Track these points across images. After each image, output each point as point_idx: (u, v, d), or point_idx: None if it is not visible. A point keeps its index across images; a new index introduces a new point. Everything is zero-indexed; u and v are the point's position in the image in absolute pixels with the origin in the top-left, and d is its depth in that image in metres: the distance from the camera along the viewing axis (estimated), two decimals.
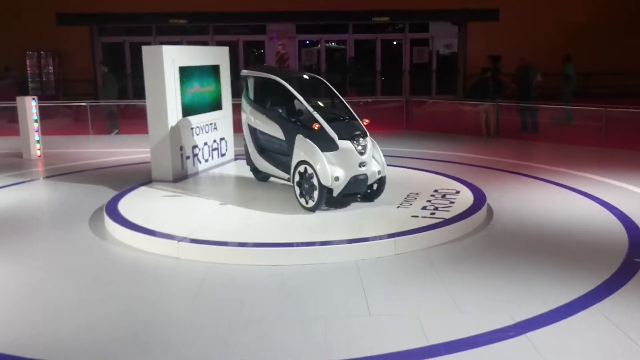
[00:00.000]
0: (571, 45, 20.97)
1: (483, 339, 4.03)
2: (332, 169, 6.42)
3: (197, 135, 8.88)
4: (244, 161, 9.59)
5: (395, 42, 23.62)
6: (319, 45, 23.22)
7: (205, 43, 21.76)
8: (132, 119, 15.54)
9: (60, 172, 9.97)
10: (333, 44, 23.77)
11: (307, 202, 6.67)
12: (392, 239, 5.68)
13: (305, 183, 6.65)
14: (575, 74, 15.48)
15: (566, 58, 15.64)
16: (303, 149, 6.66)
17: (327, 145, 6.51)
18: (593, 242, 6.03)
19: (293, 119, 7.01)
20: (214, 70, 9.38)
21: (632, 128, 13.09)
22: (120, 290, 4.99)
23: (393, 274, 5.24)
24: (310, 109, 6.69)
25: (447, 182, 7.96)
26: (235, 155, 9.99)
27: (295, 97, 6.91)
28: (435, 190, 7.46)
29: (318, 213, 6.59)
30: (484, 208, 6.78)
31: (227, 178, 8.79)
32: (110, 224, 6.48)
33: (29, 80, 21.40)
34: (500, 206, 7.25)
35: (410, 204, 6.83)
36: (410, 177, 8.31)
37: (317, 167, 6.43)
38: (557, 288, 4.86)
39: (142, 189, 7.94)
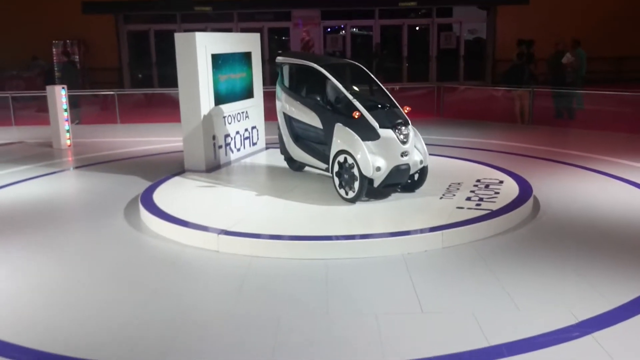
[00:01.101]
0: (603, 29, 20.46)
1: (546, 340, 3.81)
2: (373, 159, 6.21)
3: (229, 124, 8.72)
4: (276, 150, 9.44)
5: (421, 28, 23.20)
6: (343, 32, 22.90)
7: (229, 30, 21.57)
8: (159, 107, 15.49)
9: (91, 162, 9.89)
10: (355, 29, 23.39)
11: (346, 193, 6.48)
12: (440, 231, 5.46)
13: (345, 173, 6.45)
14: (585, 59, 14.69)
15: (576, 43, 14.94)
16: (342, 138, 6.46)
17: (367, 134, 6.30)
18: None
19: (331, 107, 6.80)
20: (246, 57, 9.20)
21: None
22: (162, 286, 4.84)
23: (442, 269, 5.03)
24: (350, 97, 6.48)
25: (489, 172, 7.71)
26: (267, 144, 9.82)
27: (334, 84, 6.69)
28: (478, 180, 7.21)
29: (358, 204, 6.39)
30: (531, 199, 6.52)
31: (261, 168, 8.62)
32: (146, 216, 6.35)
33: (55, 69, 21.42)
34: (545, 196, 6.99)
35: (454, 195, 6.60)
36: (449, 166, 8.07)
37: (358, 157, 6.22)
38: (617, 284, 4.61)
39: (176, 179, 7.81)
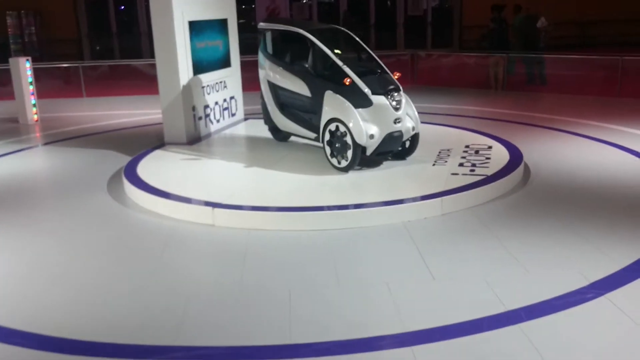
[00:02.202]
0: None
1: (562, 302, 3.80)
2: (366, 126, 6.09)
3: (208, 94, 8.46)
4: (256, 121, 9.28)
5: None
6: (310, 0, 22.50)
7: None
8: (126, 80, 14.97)
9: (61, 138, 9.49)
10: None
11: (339, 162, 6.36)
12: (439, 198, 5.41)
13: (337, 142, 6.32)
14: (524, 26, 14.66)
15: (517, 9, 14.89)
16: (333, 105, 6.31)
17: (359, 101, 6.16)
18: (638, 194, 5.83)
19: (320, 74, 6.63)
20: (223, 24, 8.91)
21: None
22: (163, 263, 4.67)
23: (446, 236, 4.99)
24: (340, 63, 6.32)
25: (475, 137, 7.69)
26: (245, 115, 9.60)
27: (322, 51, 6.50)
28: (467, 146, 7.18)
29: (351, 173, 6.29)
30: (523, 163, 6.51)
31: (243, 139, 8.42)
32: (133, 191, 6.12)
33: (10, 41, 20.51)
34: (534, 160, 7.00)
35: (446, 162, 6.55)
36: (435, 133, 8.00)
37: (351, 125, 6.10)
38: (620, 245, 4.65)
39: (157, 152, 7.55)
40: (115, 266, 4.64)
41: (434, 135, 7.79)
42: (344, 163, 6.31)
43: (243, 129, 8.96)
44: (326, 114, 6.39)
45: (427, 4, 22.73)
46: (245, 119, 9.52)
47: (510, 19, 13.89)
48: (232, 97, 9.18)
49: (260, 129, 8.56)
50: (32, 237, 5.32)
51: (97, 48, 22.37)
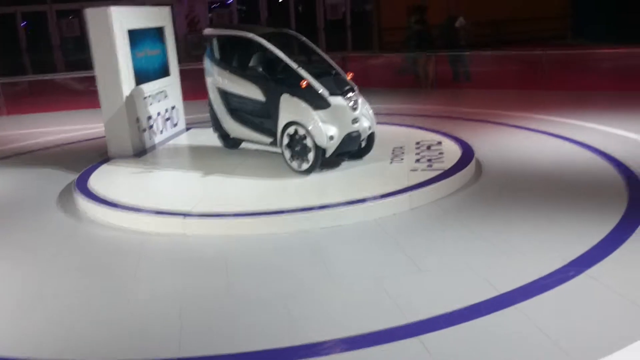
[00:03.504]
0: None
1: (549, 282, 3.98)
2: (326, 128, 6.13)
3: (150, 104, 8.24)
4: (199, 130, 9.16)
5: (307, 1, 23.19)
6: (230, 6, 22.37)
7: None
8: (46, 95, 14.30)
9: None
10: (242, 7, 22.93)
11: (299, 166, 6.36)
12: (407, 193, 5.52)
13: (296, 145, 6.32)
14: (444, 26, 15.35)
15: (409, 10, 15.60)
16: (291, 109, 6.31)
17: (317, 102, 6.20)
18: (589, 179, 6.17)
19: (274, 78, 6.61)
20: (160, 32, 8.70)
21: (558, 69, 13.64)
22: (142, 277, 4.51)
23: (420, 229, 5.10)
24: (294, 65, 6.32)
25: (422, 134, 7.90)
26: (187, 124, 9.41)
27: (275, 54, 6.49)
28: (417, 143, 7.37)
29: (312, 175, 6.31)
30: (475, 156, 6.76)
31: (191, 148, 8.26)
32: (92, 207, 5.86)
33: None
34: (482, 153, 7.27)
35: (402, 159, 6.70)
36: (383, 131, 8.08)
37: (310, 127, 6.12)
38: (585, 223, 4.92)
39: (105, 167, 7.27)
40: (93, 285, 4.43)
41: (383, 134, 7.87)
42: (304, 166, 6.31)
43: (187, 139, 8.78)
44: (284, 118, 6.37)
45: (345, 8, 23.15)
46: (188, 129, 9.33)
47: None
48: (173, 107, 8.98)
49: (205, 138, 8.44)
50: None
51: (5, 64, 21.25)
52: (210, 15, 22.36)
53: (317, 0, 22.77)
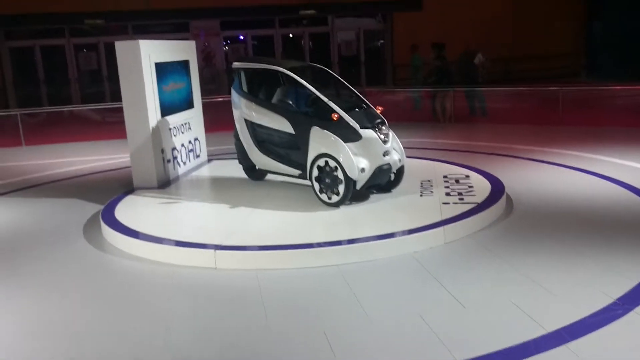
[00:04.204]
0: (490, 32, 21.70)
1: (596, 320, 3.87)
2: (357, 160, 6.09)
3: (175, 136, 8.25)
4: (220, 162, 9.14)
5: (321, 36, 23.43)
6: (245, 41, 22.64)
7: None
8: (65, 126, 14.40)
9: (12, 189, 8.92)
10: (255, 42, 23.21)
11: (329, 198, 6.30)
12: (441, 227, 5.44)
13: (327, 177, 6.27)
14: (422, 64, 15.74)
15: (412, 48, 15.96)
16: (321, 141, 6.28)
17: (348, 135, 6.17)
18: (619, 212, 6.08)
19: (304, 111, 6.61)
20: (185, 65, 8.77)
21: (575, 105, 13.63)
22: (176, 312, 4.42)
23: (458, 263, 5.01)
24: (325, 99, 6.32)
25: (448, 168, 7.86)
26: (210, 156, 9.41)
27: (306, 88, 6.50)
28: (445, 176, 7.31)
29: (342, 208, 6.24)
30: (505, 190, 6.69)
31: (216, 180, 8.23)
32: (120, 239, 5.80)
33: None
34: (509, 186, 7.18)
35: (431, 192, 6.63)
36: (409, 165, 8.08)
37: (341, 159, 6.08)
38: (625, 260, 4.81)
39: (130, 197, 7.23)
40: (128, 321, 4.33)
41: (408, 167, 7.85)
42: (335, 198, 6.26)
43: (211, 170, 8.76)
44: (314, 150, 6.35)
45: (359, 44, 23.37)
46: (209, 160, 9.33)
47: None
48: (196, 139, 9.00)
49: (228, 170, 8.43)
50: (22, 289, 4.92)
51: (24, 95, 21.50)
52: (225, 49, 22.59)
53: (332, 35, 23.01)
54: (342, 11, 22.83)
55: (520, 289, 4.41)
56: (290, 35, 23.34)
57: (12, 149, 12.80)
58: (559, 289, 4.38)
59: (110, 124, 13.55)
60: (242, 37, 22.92)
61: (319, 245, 5.19)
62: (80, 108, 15.33)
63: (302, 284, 4.75)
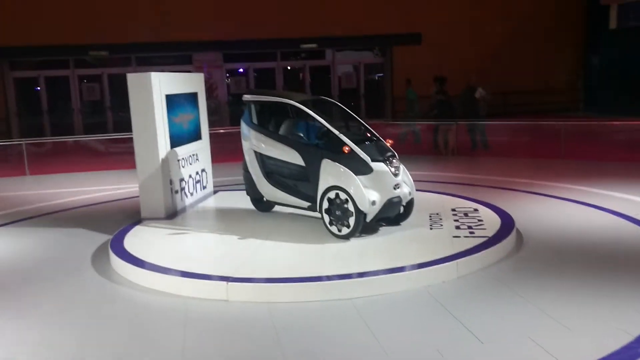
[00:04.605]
0: (487, 66, 21.93)
1: (622, 358, 3.84)
2: (368, 193, 6.11)
3: (183, 167, 8.27)
4: (226, 193, 9.14)
5: (322, 68, 23.68)
6: (246, 73, 22.86)
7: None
8: (69, 156, 14.42)
9: (16, 218, 8.88)
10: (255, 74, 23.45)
11: (339, 230, 6.30)
12: (454, 261, 5.43)
13: (337, 210, 6.27)
14: (417, 98, 15.99)
15: (407, 83, 16.18)
16: (332, 173, 6.30)
17: (359, 168, 6.20)
18: (627, 247, 6.09)
19: (315, 143, 6.65)
20: (194, 97, 8.84)
21: (577, 140, 13.74)
22: (188, 345, 4.37)
23: (472, 297, 4.98)
24: (336, 132, 6.37)
25: (456, 201, 7.87)
26: (214, 187, 9.42)
27: (316, 120, 6.55)
28: (453, 210, 7.32)
29: (352, 240, 6.23)
30: (515, 224, 6.69)
31: (223, 211, 8.23)
32: (130, 270, 5.76)
33: None
34: (518, 220, 7.18)
35: (441, 225, 6.64)
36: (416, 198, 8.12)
37: (352, 192, 6.10)
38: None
39: (138, 228, 7.21)
40: (136, 352, 4.28)
41: (416, 200, 7.88)
42: (345, 230, 6.25)
43: (216, 202, 8.77)
44: (324, 182, 6.36)
45: (359, 77, 23.61)
46: (215, 192, 9.33)
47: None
48: (203, 170, 9.02)
49: (234, 201, 8.44)
50: (33, 323, 4.86)
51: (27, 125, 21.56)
52: (227, 82, 22.78)
53: (332, 68, 23.26)
54: (342, 45, 23.12)
55: (539, 325, 4.39)
56: (289, 67, 23.59)
57: (17, 178, 12.78)
58: (577, 325, 4.36)
59: (113, 154, 13.60)
60: (241, 70, 23.15)
61: (331, 278, 5.16)
62: (85, 139, 15.36)
63: (315, 317, 4.71)
